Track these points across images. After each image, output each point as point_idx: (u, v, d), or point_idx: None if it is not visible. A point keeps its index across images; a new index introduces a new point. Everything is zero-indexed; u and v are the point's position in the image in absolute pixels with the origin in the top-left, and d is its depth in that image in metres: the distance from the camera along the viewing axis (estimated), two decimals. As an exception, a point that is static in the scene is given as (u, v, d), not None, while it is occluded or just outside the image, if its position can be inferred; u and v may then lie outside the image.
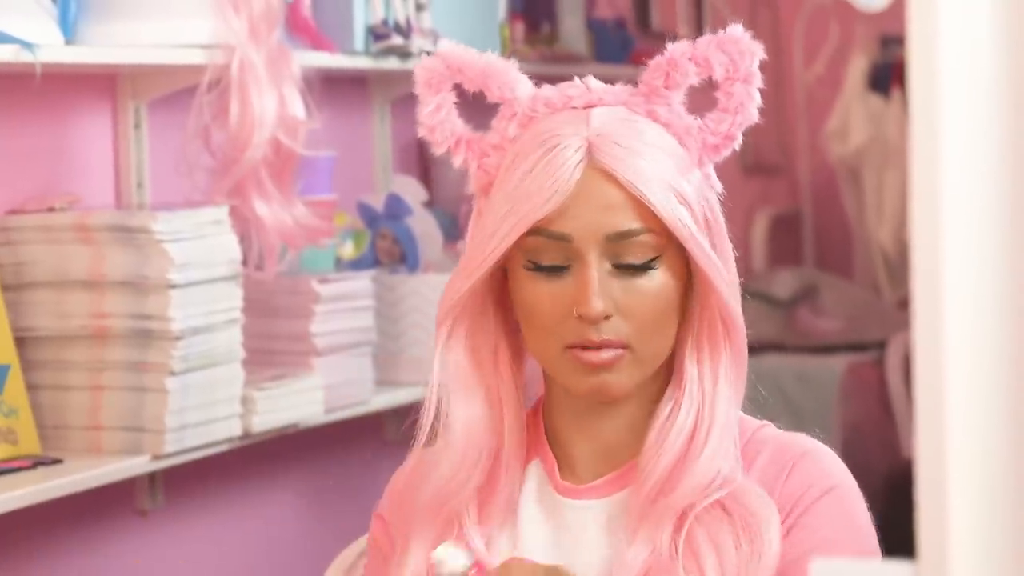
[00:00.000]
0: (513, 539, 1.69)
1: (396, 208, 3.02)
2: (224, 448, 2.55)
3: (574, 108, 1.67)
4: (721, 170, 1.73)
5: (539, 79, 1.73)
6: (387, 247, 3.02)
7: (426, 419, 1.70)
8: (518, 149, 1.66)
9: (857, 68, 5.08)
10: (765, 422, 1.73)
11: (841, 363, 4.57)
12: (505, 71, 1.70)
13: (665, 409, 1.67)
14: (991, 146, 0.84)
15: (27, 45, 2.24)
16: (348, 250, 3.04)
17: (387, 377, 2.96)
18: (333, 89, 2.86)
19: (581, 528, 1.68)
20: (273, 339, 2.77)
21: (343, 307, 2.82)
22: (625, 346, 1.63)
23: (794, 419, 4.29)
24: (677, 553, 1.62)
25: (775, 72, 5.22)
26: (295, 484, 3.02)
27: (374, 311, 2.89)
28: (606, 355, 1.63)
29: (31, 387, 2.43)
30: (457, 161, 1.71)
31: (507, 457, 1.70)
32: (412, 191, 3.08)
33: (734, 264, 1.70)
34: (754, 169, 5.12)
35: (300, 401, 2.69)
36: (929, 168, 0.84)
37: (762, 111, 1.70)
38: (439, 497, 1.69)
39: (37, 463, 2.34)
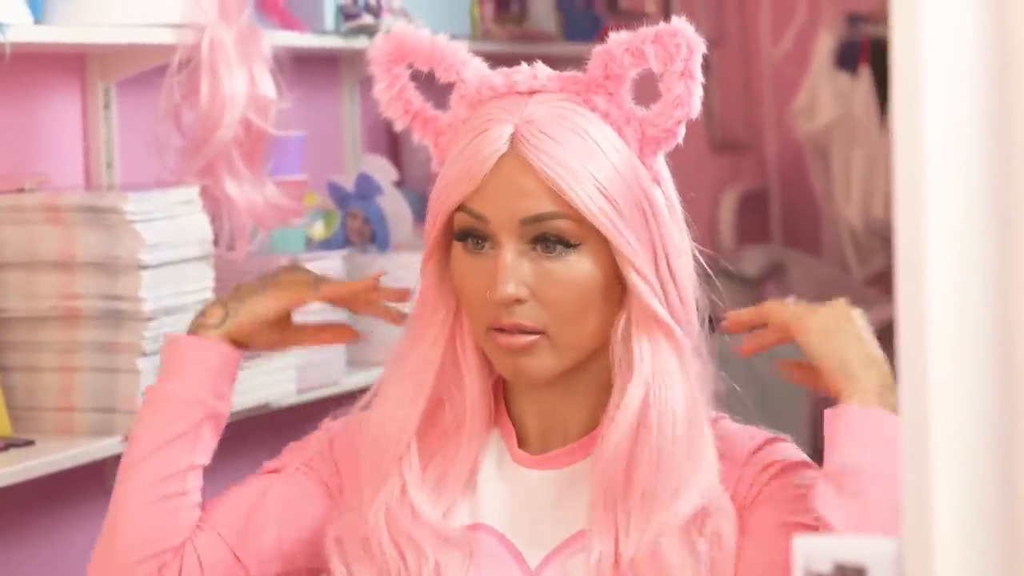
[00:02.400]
0: (473, 506, 1.74)
1: (366, 188, 3.01)
2: (196, 428, 2.54)
3: (519, 93, 1.69)
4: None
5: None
6: (357, 227, 3.02)
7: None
8: (459, 131, 1.71)
9: (824, 45, 5.09)
10: (721, 415, 1.75)
11: (810, 340, 4.57)
12: (453, 53, 1.74)
13: (616, 396, 1.69)
14: (973, 122, 0.85)
15: (-4, 25, 2.23)
16: (318, 230, 3.04)
17: (359, 357, 2.95)
18: (303, 69, 2.85)
19: (537, 498, 1.73)
20: (244, 319, 2.76)
21: (314, 287, 2.82)
22: (541, 331, 1.67)
23: (764, 397, 4.28)
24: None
25: (742, 49, 5.22)
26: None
27: (345, 291, 2.88)
28: (519, 340, 1.67)
29: (2, 369, 2.43)
30: (416, 138, 1.78)
31: (470, 429, 1.74)
32: (382, 171, 3.08)
33: (686, 259, 1.70)
34: (722, 146, 5.13)
35: (271, 381, 2.69)
36: (912, 145, 0.85)
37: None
38: (376, 461, 1.75)
39: (8, 444, 2.33)
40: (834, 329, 1.67)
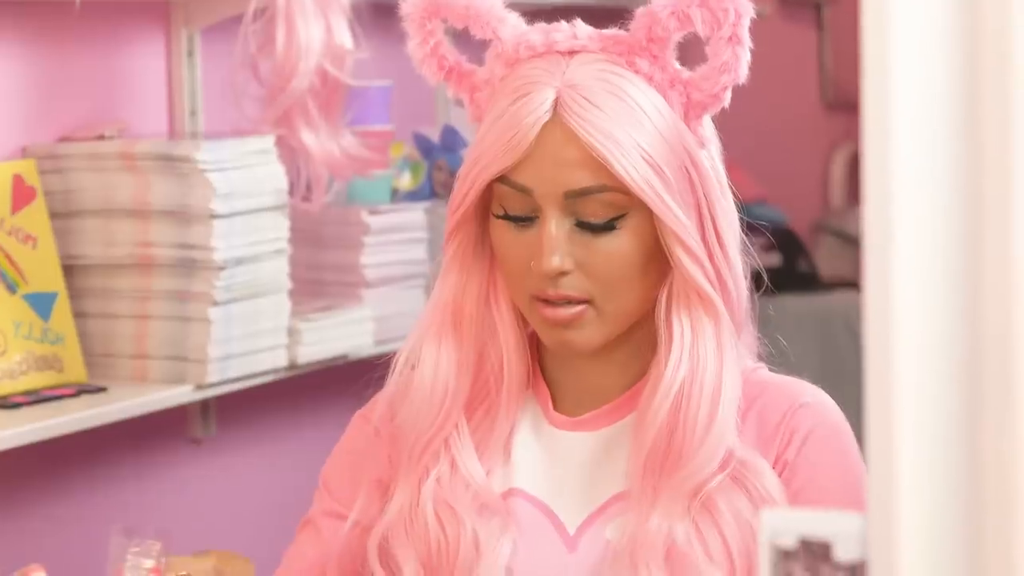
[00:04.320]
0: (507, 472, 1.71)
1: (451, 140, 2.99)
2: (269, 379, 2.55)
3: (559, 52, 1.65)
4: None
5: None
6: (443, 179, 2.99)
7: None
8: (497, 91, 1.65)
9: (941, 2, 4.99)
10: (759, 364, 1.71)
11: (915, 302, 4.50)
12: (488, 11, 1.69)
13: (658, 364, 1.65)
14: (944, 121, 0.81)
15: (68, -29, 2.23)
16: (405, 181, 3.02)
17: (439, 310, 2.93)
18: (394, 18, 2.83)
19: (574, 461, 1.69)
20: (323, 270, 2.76)
21: (395, 239, 2.80)
22: (587, 300, 1.63)
23: (819, 357, 4.22)
24: (696, 533, 1.62)
25: (856, 5, 5.13)
26: (346, 415, 3.01)
27: (427, 243, 2.86)
28: (566, 312, 1.63)
29: (79, 315, 2.44)
30: (450, 92, 1.72)
31: (507, 391, 1.71)
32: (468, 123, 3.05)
33: (731, 227, 1.65)
34: (835, 104, 5.05)
35: (348, 333, 2.68)
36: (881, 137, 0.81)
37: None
38: (417, 440, 1.71)
39: (81, 391, 2.35)
40: None
